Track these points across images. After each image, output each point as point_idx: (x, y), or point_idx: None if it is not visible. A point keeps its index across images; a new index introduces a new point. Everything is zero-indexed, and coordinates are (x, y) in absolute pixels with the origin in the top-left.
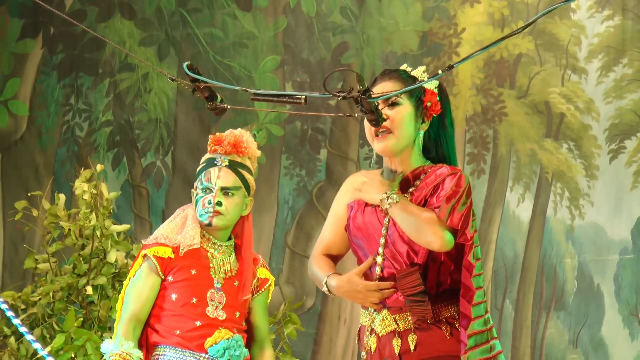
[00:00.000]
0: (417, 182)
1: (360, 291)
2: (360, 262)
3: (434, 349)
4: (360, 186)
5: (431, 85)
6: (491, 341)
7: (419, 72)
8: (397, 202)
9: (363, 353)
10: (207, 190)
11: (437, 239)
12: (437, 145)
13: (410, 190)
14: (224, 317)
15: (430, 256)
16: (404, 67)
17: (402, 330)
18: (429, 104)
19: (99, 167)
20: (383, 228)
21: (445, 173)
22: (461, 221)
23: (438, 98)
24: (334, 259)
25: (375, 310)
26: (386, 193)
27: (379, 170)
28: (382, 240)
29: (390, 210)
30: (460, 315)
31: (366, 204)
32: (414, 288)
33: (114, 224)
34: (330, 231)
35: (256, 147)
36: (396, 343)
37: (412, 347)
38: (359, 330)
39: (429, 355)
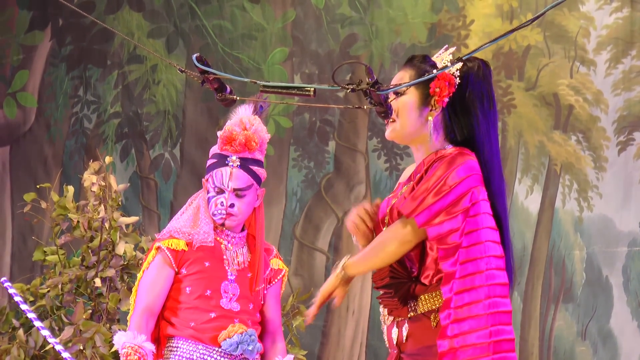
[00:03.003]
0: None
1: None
2: None
3: (423, 339)
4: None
5: (453, 69)
6: (491, 327)
7: (445, 55)
8: (344, 267)
9: (386, 343)
10: (219, 190)
11: (406, 240)
12: (460, 128)
13: (417, 177)
14: (238, 309)
15: (424, 246)
16: (444, 55)
17: (399, 320)
18: (437, 90)
19: (107, 159)
20: (386, 217)
21: (436, 157)
22: (424, 206)
23: (459, 82)
24: None
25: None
26: (336, 275)
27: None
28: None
29: (351, 273)
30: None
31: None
32: (382, 280)
33: (123, 216)
34: None
35: (266, 130)
36: (394, 332)
37: (404, 337)
38: None
39: (420, 345)
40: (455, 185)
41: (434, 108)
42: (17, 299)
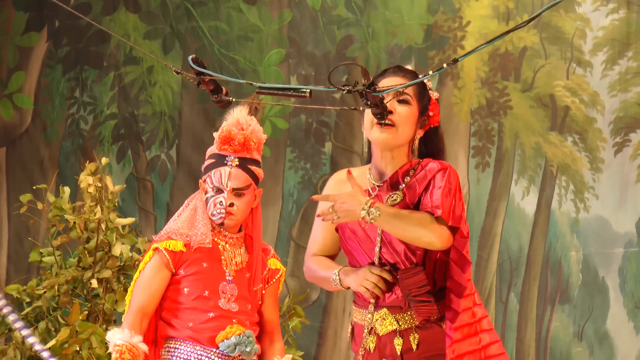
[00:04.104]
0: (407, 179)
1: (362, 271)
2: (352, 263)
3: (436, 347)
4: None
5: (434, 96)
6: (480, 334)
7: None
8: (379, 214)
9: (361, 351)
10: (218, 190)
11: (437, 238)
12: (426, 143)
13: (401, 187)
14: (237, 309)
15: (427, 255)
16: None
17: (403, 329)
18: (430, 114)
19: (103, 160)
20: (379, 228)
21: (435, 169)
22: (462, 218)
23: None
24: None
25: (374, 309)
26: (364, 209)
27: (365, 166)
28: (378, 239)
29: (377, 223)
30: (447, 308)
31: None
32: (420, 288)
33: (119, 217)
34: (321, 232)
35: (262, 131)
36: (397, 342)
37: (414, 346)
38: (353, 329)
39: (430, 353)
40: (461, 197)
41: (423, 126)
42: (6, 310)
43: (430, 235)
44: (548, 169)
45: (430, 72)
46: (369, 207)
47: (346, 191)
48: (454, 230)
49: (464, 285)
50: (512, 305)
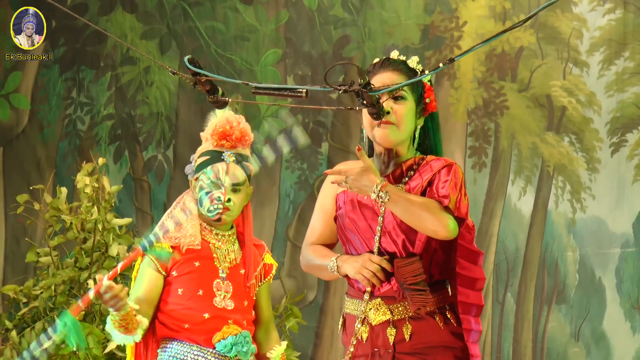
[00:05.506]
0: (411, 173)
1: (362, 258)
2: (349, 253)
3: (428, 339)
4: (350, 184)
5: (427, 80)
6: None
7: (413, 63)
8: (389, 198)
9: (353, 340)
10: (215, 186)
11: (443, 226)
12: (425, 137)
13: (404, 180)
14: (232, 307)
15: (425, 246)
16: (401, 57)
17: (396, 319)
18: (427, 101)
19: (100, 160)
20: (380, 217)
21: (440, 165)
22: (467, 210)
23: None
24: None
25: (369, 299)
26: (374, 192)
27: (359, 161)
28: (378, 229)
29: (387, 206)
30: (466, 305)
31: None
32: (416, 277)
33: (116, 218)
34: (320, 222)
35: (250, 128)
36: (390, 332)
37: (407, 337)
38: (344, 320)
39: (423, 345)
40: (466, 193)
41: (422, 115)
42: None
43: (437, 223)
44: (545, 169)
45: (427, 72)
46: (379, 190)
47: (357, 167)
48: (459, 222)
49: (482, 278)
50: (509, 305)
